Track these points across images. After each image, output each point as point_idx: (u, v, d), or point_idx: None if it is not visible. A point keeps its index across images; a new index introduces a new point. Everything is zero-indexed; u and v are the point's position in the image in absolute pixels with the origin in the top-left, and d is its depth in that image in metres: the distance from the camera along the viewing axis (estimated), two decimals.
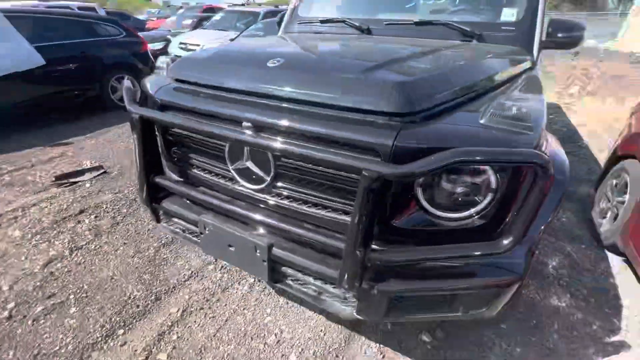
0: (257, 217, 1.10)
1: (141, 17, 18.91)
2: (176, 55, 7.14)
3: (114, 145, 3.83)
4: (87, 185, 2.88)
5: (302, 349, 1.47)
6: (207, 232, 1.17)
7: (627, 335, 1.62)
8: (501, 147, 0.83)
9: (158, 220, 1.40)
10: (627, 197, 2.11)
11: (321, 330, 1.56)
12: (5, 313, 1.62)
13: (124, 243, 2.15)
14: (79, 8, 9.30)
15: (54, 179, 2.95)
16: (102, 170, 3.15)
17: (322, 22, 2.26)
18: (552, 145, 1.18)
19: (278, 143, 0.94)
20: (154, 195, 1.29)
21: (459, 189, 0.92)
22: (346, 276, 0.90)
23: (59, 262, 1.97)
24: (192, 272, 1.91)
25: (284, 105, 1.02)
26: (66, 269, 1.92)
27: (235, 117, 1.03)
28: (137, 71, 5.40)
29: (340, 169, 0.90)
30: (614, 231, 2.14)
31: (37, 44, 4.14)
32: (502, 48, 1.74)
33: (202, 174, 1.27)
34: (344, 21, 2.14)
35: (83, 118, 4.75)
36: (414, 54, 1.34)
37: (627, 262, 2.04)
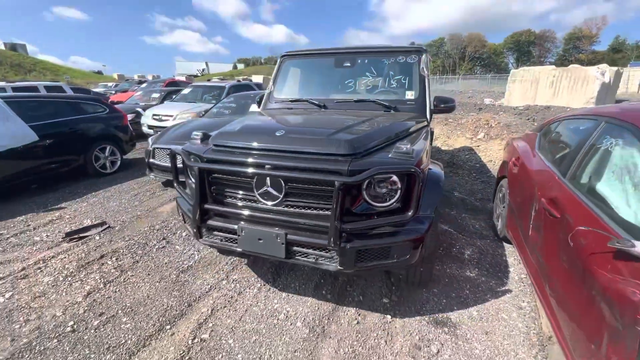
0: (275, 219, 1.86)
1: (98, 90, 19.57)
2: (150, 126, 7.86)
3: (107, 206, 4.28)
4: (97, 238, 3.34)
5: (304, 318, 2.13)
6: (243, 234, 1.89)
7: (510, 284, 2.51)
8: (397, 165, 1.75)
9: (200, 237, 2.08)
10: (505, 204, 3.18)
11: (316, 306, 2.24)
12: (69, 328, 2.06)
13: (148, 274, 2.68)
14: (47, 88, 9.83)
15: (64, 235, 3.36)
16: (106, 226, 3.62)
17: (292, 101, 3.28)
18: (432, 166, 2.15)
19: (287, 174, 1.77)
20: (203, 218, 2.00)
21: (383, 190, 1.80)
22: (332, 239, 1.68)
23: (97, 292, 2.44)
24: (210, 286, 2.50)
25: (288, 155, 1.86)
26: (106, 296, 2.39)
27: (260, 163, 1.85)
28: (118, 141, 6.02)
29: (323, 184, 1.74)
30: (502, 227, 3.17)
31: (31, 123, 4.69)
32: (409, 115, 2.83)
33: (235, 199, 2.02)
34: (307, 101, 3.17)
35: (67, 185, 5.14)
36: (355, 122, 2.31)
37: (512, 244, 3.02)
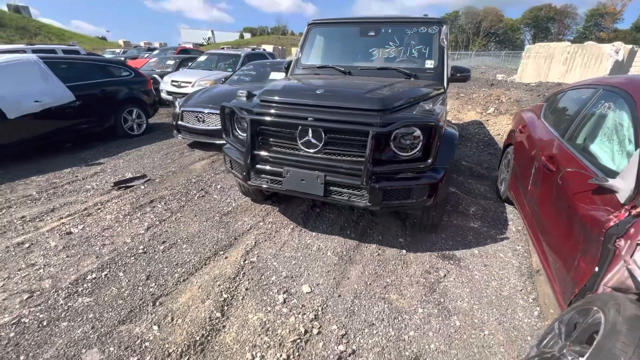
0: (316, 163, 2.23)
1: (107, 56, 19.58)
2: (169, 92, 8.13)
3: (142, 163, 4.68)
4: (142, 187, 3.76)
5: (333, 249, 2.56)
6: (288, 175, 2.27)
7: (508, 234, 2.91)
8: (421, 119, 2.08)
9: (249, 179, 2.46)
10: (509, 168, 3.52)
11: (342, 242, 2.66)
12: (140, 250, 2.51)
13: (195, 215, 3.11)
14: (64, 52, 10.01)
15: (112, 184, 3.79)
16: (147, 178, 4.03)
17: (319, 67, 3.56)
18: (449, 127, 2.48)
19: (329, 125, 2.11)
20: (253, 163, 2.38)
21: (407, 141, 2.14)
22: (364, 179, 2.05)
23: (155, 228, 2.88)
24: (250, 226, 2.93)
25: (329, 109, 2.20)
26: (163, 230, 2.83)
27: (304, 116, 2.19)
28: (144, 105, 6.33)
29: (358, 134, 2.09)
30: (505, 190, 3.53)
31: (68, 84, 5.00)
32: (427, 82, 3.11)
33: (280, 147, 2.38)
34: (333, 67, 3.44)
35: (100, 145, 5.53)
36: (381, 85, 2.61)
37: (514, 206, 3.40)
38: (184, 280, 2.19)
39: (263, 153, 2.38)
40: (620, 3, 61.97)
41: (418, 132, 2.12)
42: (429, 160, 2.11)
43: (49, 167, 4.43)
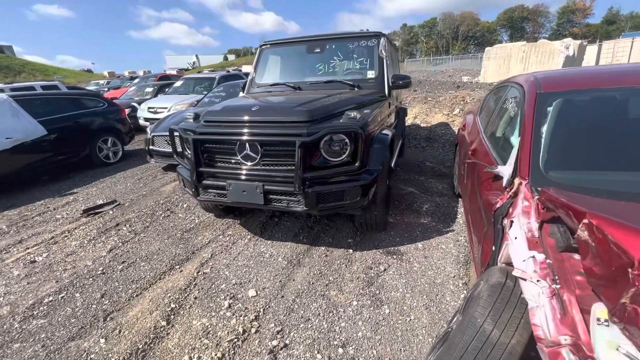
0: (255, 175, 2.40)
1: (91, 88, 19.86)
2: (146, 118, 8.32)
3: (115, 189, 4.82)
4: (110, 212, 3.89)
5: (284, 255, 2.70)
6: (230, 188, 2.43)
7: (454, 227, 3.07)
8: (343, 127, 2.27)
9: (198, 195, 2.62)
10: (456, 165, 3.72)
11: (294, 247, 2.80)
12: (100, 271, 2.63)
13: (157, 234, 3.23)
14: (43, 87, 10.23)
15: (82, 211, 3.91)
16: (117, 203, 4.16)
17: (271, 85, 3.78)
18: (384, 131, 2.69)
19: (261, 138, 2.30)
20: (199, 179, 2.54)
21: (336, 147, 2.33)
22: (297, 185, 2.22)
23: (118, 249, 3.00)
24: (210, 240, 3.06)
25: (261, 124, 2.38)
26: (125, 251, 2.95)
27: (242, 132, 2.37)
28: (119, 133, 6.51)
29: (288, 145, 2.27)
30: (457, 185, 3.72)
31: (41, 119, 5.17)
32: (369, 91, 3.33)
33: (223, 162, 2.55)
34: (284, 84, 3.66)
35: (75, 175, 5.66)
36: (317, 98, 2.81)
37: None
38: (137, 296, 2.30)
39: (208, 169, 2.54)
40: None
41: (345, 139, 2.31)
42: (356, 164, 2.29)
43: (22, 201, 4.53)
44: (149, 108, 8.35)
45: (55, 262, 2.84)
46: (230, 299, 2.21)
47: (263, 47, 4.08)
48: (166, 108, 8.08)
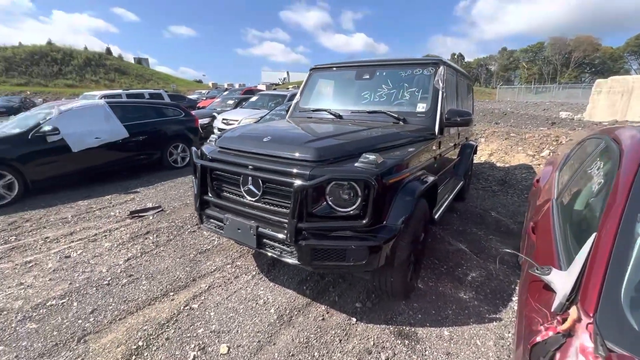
0: (252, 213, 2.15)
1: (193, 96, 22.81)
2: (219, 128, 9.00)
3: (169, 193, 5.15)
4: (151, 217, 4.10)
5: (279, 306, 2.36)
6: (227, 223, 2.22)
7: (503, 314, 2.32)
8: (356, 174, 1.86)
9: (202, 222, 2.48)
10: None
11: (293, 298, 2.44)
12: (106, 282, 2.68)
13: (174, 251, 3.23)
14: (150, 95, 12.03)
15: (129, 213, 4.22)
16: (160, 209, 4.40)
17: (313, 110, 3.55)
18: (421, 178, 2.19)
19: (261, 174, 2.04)
20: (202, 207, 2.41)
21: (346, 196, 1.92)
22: (289, 235, 1.89)
23: (134, 259, 3.06)
24: (216, 267, 2.91)
25: (267, 158, 2.14)
26: (139, 263, 2.99)
27: (245, 164, 2.16)
28: (189, 140, 7.09)
29: (287, 185, 1.96)
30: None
31: (125, 123, 5.92)
32: (415, 127, 2.83)
33: (227, 193, 2.38)
34: (326, 110, 3.40)
35: (145, 175, 6.29)
36: (342, 132, 2.45)
37: None
38: (119, 320, 2.23)
39: (212, 198, 2.39)
40: None
41: (355, 186, 1.90)
42: (364, 220, 1.85)
43: (97, 193, 5.17)
44: (222, 119, 9.02)
45: (82, 262, 3.02)
46: (199, 350, 1.96)
47: (312, 70, 3.91)
48: (237, 121, 8.61)
